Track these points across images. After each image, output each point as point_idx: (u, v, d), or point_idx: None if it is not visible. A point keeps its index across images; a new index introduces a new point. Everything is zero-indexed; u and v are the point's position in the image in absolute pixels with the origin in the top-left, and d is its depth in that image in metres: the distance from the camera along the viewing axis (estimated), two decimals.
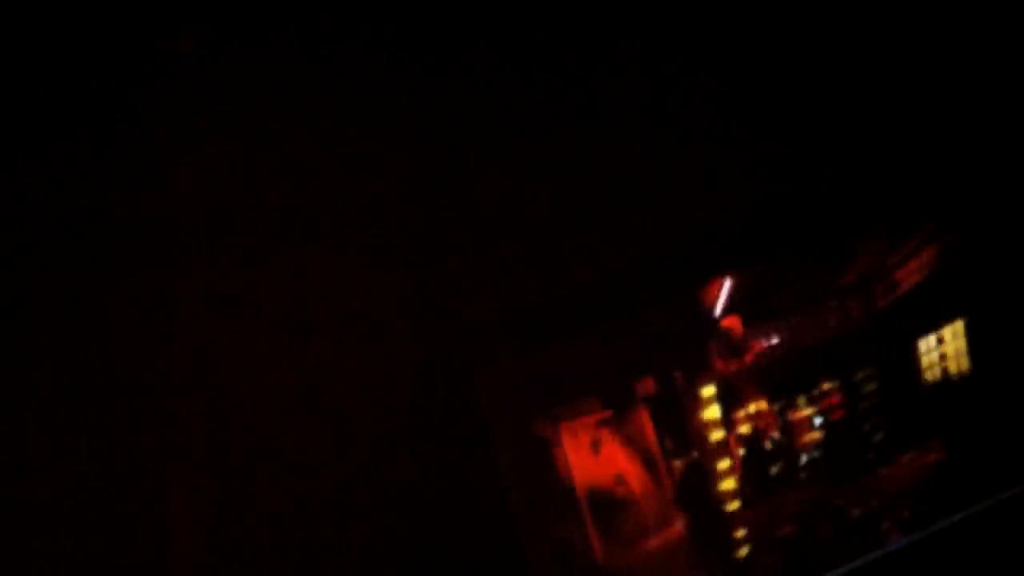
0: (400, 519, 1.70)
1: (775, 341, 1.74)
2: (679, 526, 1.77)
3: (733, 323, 1.71)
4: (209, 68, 1.53)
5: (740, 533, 1.81)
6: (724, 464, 1.77)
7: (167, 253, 1.55)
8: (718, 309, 1.70)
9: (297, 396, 1.60)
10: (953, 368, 1.88)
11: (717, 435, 1.75)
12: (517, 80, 1.61)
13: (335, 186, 1.56)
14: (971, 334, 1.87)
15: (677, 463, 1.74)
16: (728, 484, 1.78)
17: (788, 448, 1.80)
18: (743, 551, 1.82)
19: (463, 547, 1.75)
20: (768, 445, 1.79)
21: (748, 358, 1.73)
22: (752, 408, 1.76)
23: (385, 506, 1.69)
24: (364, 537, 1.69)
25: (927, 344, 1.85)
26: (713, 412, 1.73)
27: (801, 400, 1.79)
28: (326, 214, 1.56)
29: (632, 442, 1.71)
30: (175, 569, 1.60)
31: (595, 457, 1.69)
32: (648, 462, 1.72)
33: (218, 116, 1.52)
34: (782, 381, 1.77)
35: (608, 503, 1.71)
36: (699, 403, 1.73)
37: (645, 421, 1.71)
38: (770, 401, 1.77)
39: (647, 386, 1.70)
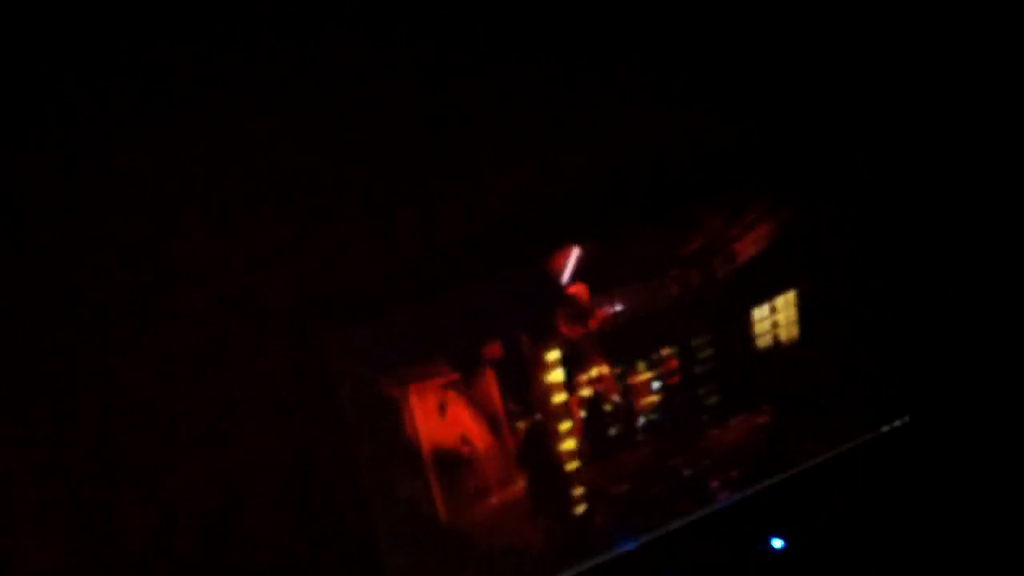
0: (246, 483, 1.70)
1: (619, 308, 1.80)
2: (521, 484, 1.83)
3: (579, 290, 1.76)
4: None
5: (578, 491, 1.88)
6: (565, 425, 1.82)
7: None
8: (565, 276, 1.75)
9: (135, 363, 1.58)
10: (784, 336, 1.97)
11: (560, 398, 1.80)
12: (373, 51, 1.60)
13: (175, 149, 1.53)
14: (801, 304, 1.96)
15: (521, 424, 1.79)
16: (569, 444, 1.84)
17: (627, 410, 1.87)
18: (580, 508, 1.89)
19: (309, 508, 1.77)
20: (608, 408, 1.85)
21: (592, 324, 1.78)
22: (594, 372, 1.82)
23: (230, 471, 1.69)
24: (210, 502, 1.69)
25: (761, 313, 1.94)
26: (557, 376, 1.78)
27: (641, 365, 1.86)
28: (166, 176, 1.53)
29: (478, 404, 1.75)
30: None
31: (441, 418, 1.73)
32: (493, 423, 1.77)
33: None
34: (624, 346, 1.83)
35: (453, 462, 1.75)
36: (544, 367, 1.77)
37: (491, 384, 1.75)
38: (611, 365, 1.83)
39: (494, 350, 1.73)
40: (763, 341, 1.95)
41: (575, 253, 1.74)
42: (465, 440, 1.75)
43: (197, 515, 1.70)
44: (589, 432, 1.84)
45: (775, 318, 1.95)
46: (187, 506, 1.69)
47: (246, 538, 1.74)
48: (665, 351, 1.87)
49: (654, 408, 1.89)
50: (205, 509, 1.70)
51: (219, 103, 1.51)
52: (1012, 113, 2.09)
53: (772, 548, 2.07)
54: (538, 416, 1.80)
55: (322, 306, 1.64)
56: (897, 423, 2.13)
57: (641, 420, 1.89)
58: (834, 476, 2.09)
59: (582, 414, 1.83)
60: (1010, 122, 2.10)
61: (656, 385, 1.88)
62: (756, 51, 1.88)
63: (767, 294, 1.93)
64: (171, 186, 1.52)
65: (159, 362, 1.60)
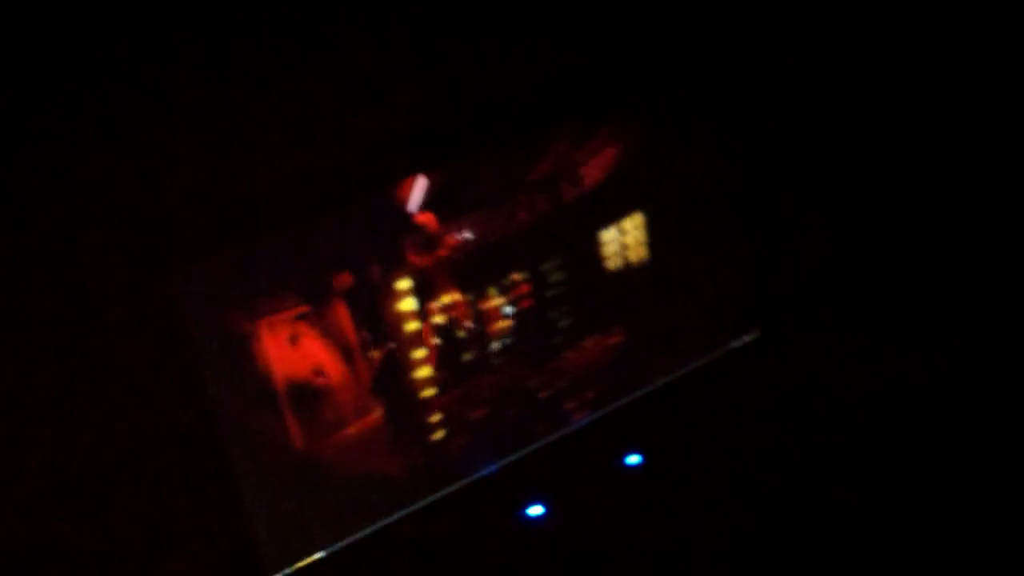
0: (98, 424, 1.68)
1: (468, 236, 1.82)
2: (377, 413, 1.84)
3: (427, 219, 1.77)
4: None
5: (435, 418, 1.90)
6: (420, 353, 1.84)
7: None
8: (412, 205, 1.76)
9: None
10: (633, 257, 2.01)
11: (413, 326, 1.82)
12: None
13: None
14: (649, 225, 2.00)
15: (375, 353, 1.80)
16: (424, 372, 1.86)
17: (480, 336, 1.90)
18: (438, 434, 1.91)
19: (166, 445, 1.75)
20: (461, 334, 1.87)
21: (442, 252, 1.80)
22: (446, 299, 1.84)
23: (81, 410, 1.67)
24: (64, 445, 1.67)
25: (609, 235, 1.98)
26: (409, 304, 1.80)
27: (492, 291, 1.88)
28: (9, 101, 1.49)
29: (331, 334, 1.75)
30: None
31: (294, 350, 1.73)
32: (346, 353, 1.78)
33: None
34: (474, 273, 1.85)
35: (307, 394, 1.76)
36: (395, 296, 1.79)
37: (343, 314, 1.76)
38: (463, 292, 1.85)
39: (344, 280, 1.74)
40: (613, 263, 1.99)
41: (422, 182, 1.75)
42: (319, 371, 1.76)
43: (47, 461, 1.68)
44: (443, 359, 1.87)
45: (624, 240, 1.98)
46: (36, 451, 1.66)
47: (102, 479, 1.72)
48: (516, 276, 1.90)
49: (507, 333, 1.92)
50: (57, 451, 1.67)
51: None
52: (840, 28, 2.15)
53: (630, 464, 2.12)
54: (392, 345, 1.81)
55: (169, 240, 1.62)
56: (746, 338, 2.19)
57: (495, 345, 1.91)
58: (687, 392, 2.15)
59: (436, 341, 1.85)
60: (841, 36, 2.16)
61: (508, 310, 1.90)
62: None
63: (615, 217, 1.96)
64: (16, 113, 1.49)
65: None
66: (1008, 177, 2.27)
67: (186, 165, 1.65)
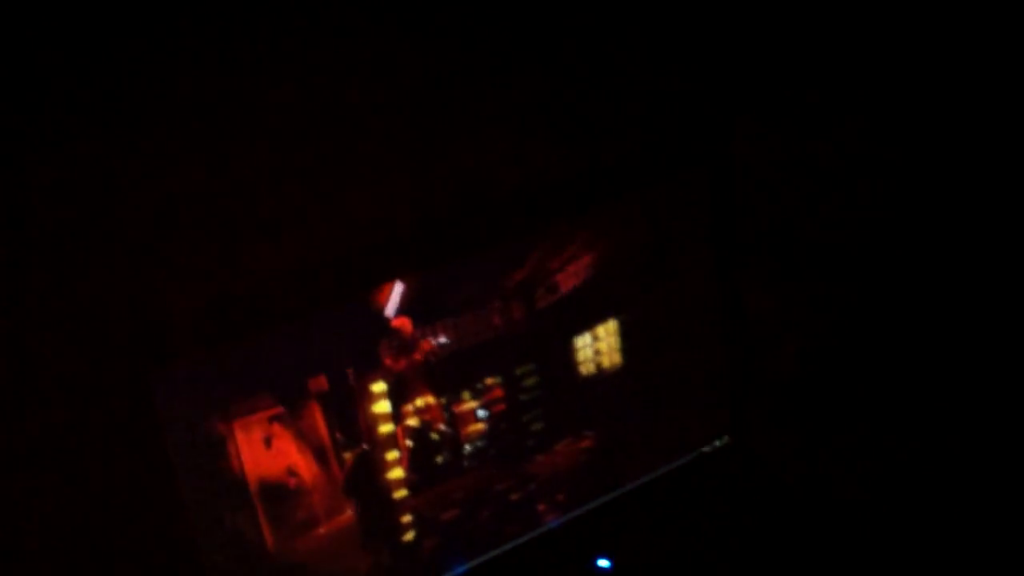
0: (71, 520, 1.70)
1: (443, 340, 1.86)
2: (349, 514, 1.86)
3: (403, 323, 1.81)
4: None
5: (406, 519, 1.92)
6: (393, 455, 1.87)
7: None
8: (389, 309, 1.80)
9: None
10: (606, 363, 2.05)
11: (386, 428, 1.85)
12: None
13: None
14: (622, 331, 2.05)
15: (348, 455, 1.83)
16: (396, 473, 1.88)
17: (453, 439, 1.93)
18: (409, 535, 1.93)
19: (135, 543, 1.77)
20: (435, 436, 1.90)
21: (417, 356, 1.84)
22: (420, 402, 1.87)
23: (58, 512, 1.69)
24: (35, 544, 1.69)
25: (583, 341, 2.02)
26: (383, 407, 1.83)
27: (466, 394, 1.92)
28: None
29: (304, 436, 1.78)
30: None
31: (268, 451, 1.76)
32: (320, 454, 1.80)
33: None
34: (449, 377, 1.88)
35: (280, 494, 1.78)
36: (370, 398, 1.82)
37: (317, 416, 1.79)
38: (437, 395, 1.88)
39: (320, 383, 1.77)
40: (586, 368, 2.03)
41: (398, 287, 1.79)
42: (292, 471, 1.78)
43: (22, 559, 1.69)
44: (416, 461, 1.89)
45: (597, 346, 2.02)
46: (9, 551, 1.67)
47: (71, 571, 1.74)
48: (490, 380, 1.93)
49: (480, 436, 1.95)
50: (29, 552, 1.69)
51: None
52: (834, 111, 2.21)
53: (599, 569, 2.14)
54: (365, 446, 1.84)
55: (145, 341, 1.66)
56: (717, 443, 2.22)
57: (467, 448, 1.94)
58: (657, 496, 2.18)
59: (409, 443, 1.88)
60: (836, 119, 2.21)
61: (481, 414, 1.94)
62: (572, 85, 1.96)
63: (588, 323, 2.01)
64: None
65: None
66: (975, 286, 2.31)
67: (162, 267, 1.68)
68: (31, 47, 1.49)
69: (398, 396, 1.85)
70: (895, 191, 2.28)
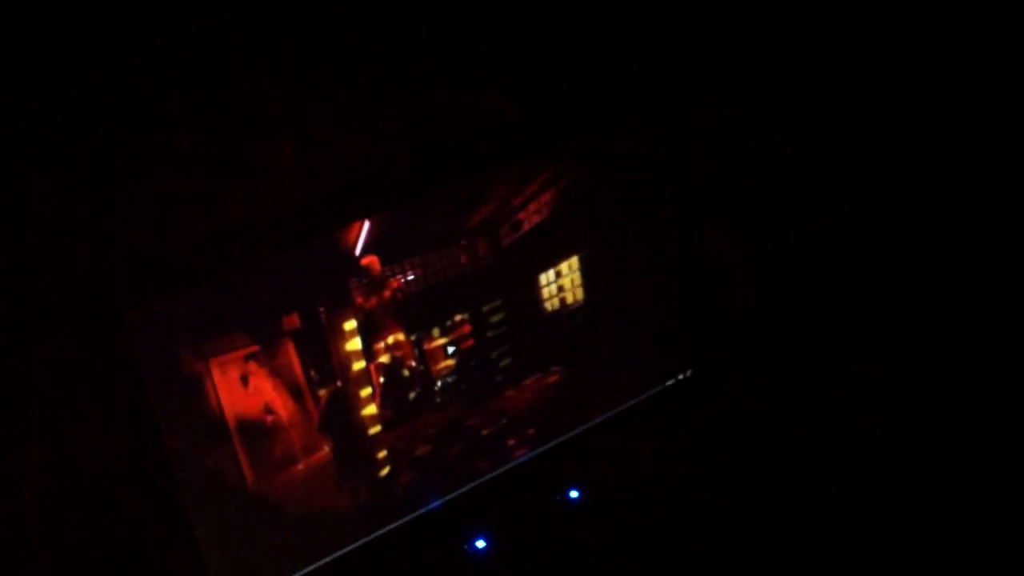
0: (51, 460, 1.72)
1: (411, 277, 1.90)
2: (326, 450, 1.91)
3: (372, 261, 1.85)
4: None
5: (381, 454, 1.97)
6: (366, 391, 1.91)
7: None
8: (357, 248, 1.84)
9: None
10: (570, 299, 2.10)
11: (359, 365, 1.89)
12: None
13: None
14: (584, 268, 2.10)
15: (323, 392, 1.87)
16: (370, 410, 1.93)
17: (424, 375, 1.97)
18: (385, 471, 1.98)
19: (119, 482, 1.80)
20: (406, 373, 1.95)
21: (386, 294, 1.88)
22: (391, 339, 1.91)
23: (35, 447, 1.71)
24: (13, 480, 1.71)
25: (547, 278, 2.07)
26: (355, 344, 1.87)
27: (435, 331, 1.96)
28: None
29: (280, 374, 1.82)
30: None
31: (244, 389, 1.80)
32: (295, 392, 1.84)
33: None
34: (418, 314, 1.93)
35: (258, 432, 1.82)
36: (342, 336, 1.86)
37: (291, 354, 1.82)
38: (407, 332, 1.92)
39: (292, 321, 1.81)
40: (550, 304, 2.08)
41: (366, 226, 1.83)
42: (269, 409, 1.82)
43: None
44: (388, 397, 1.94)
45: (560, 282, 2.07)
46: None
47: (54, 514, 1.76)
48: (458, 317, 1.98)
49: (450, 372, 1.99)
50: (6, 486, 1.71)
51: None
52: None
53: (570, 499, 2.19)
54: (339, 383, 1.88)
55: (121, 281, 1.68)
56: (680, 376, 2.28)
57: (439, 384, 1.99)
58: (624, 428, 2.23)
59: (381, 380, 1.92)
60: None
61: (451, 350, 1.98)
62: (534, 26, 2.00)
63: (552, 260, 2.06)
64: None
65: None
66: (923, 216, 2.39)
67: (136, 208, 1.71)
68: None
69: (369, 334, 1.89)
70: (844, 127, 2.34)
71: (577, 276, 2.09)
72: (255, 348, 1.79)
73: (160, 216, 1.73)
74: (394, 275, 1.88)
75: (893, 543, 2.16)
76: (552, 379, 2.12)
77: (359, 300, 1.86)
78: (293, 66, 1.80)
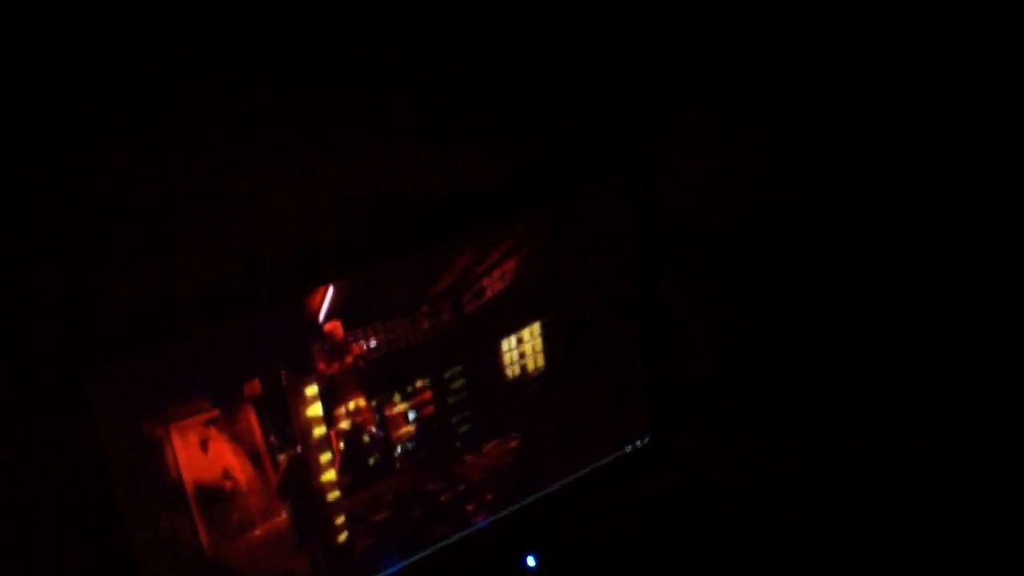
0: (9, 528, 1.71)
1: (374, 343, 1.91)
2: (284, 516, 1.90)
3: (335, 327, 1.86)
4: None
5: (340, 519, 1.96)
6: (326, 457, 1.91)
7: None
8: (322, 314, 1.84)
9: None
10: (531, 365, 2.12)
11: (319, 431, 1.89)
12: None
13: None
14: (545, 334, 2.12)
15: (282, 457, 1.87)
16: (329, 475, 1.93)
17: (385, 441, 1.98)
18: (342, 536, 1.97)
19: (71, 548, 1.78)
20: (366, 439, 1.95)
21: (348, 359, 1.88)
22: (352, 405, 1.91)
23: None
24: None
25: (508, 344, 2.08)
26: (316, 410, 1.87)
27: (397, 397, 1.97)
28: None
29: (239, 439, 1.82)
30: None
31: (204, 454, 1.79)
32: (255, 457, 1.84)
33: None
34: (380, 380, 1.93)
35: (216, 497, 1.81)
36: (303, 402, 1.86)
37: (252, 419, 1.82)
38: (368, 398, 1.93)
39: (254, 386, 1.81)
40: (511, 371, 2.09)
41: (329, 291, 1.84)
42: (227, 474, 1.82)
43: None
44: (348, 463, 1.94)
45: (522, 349, 2.09)
46: None
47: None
48: (419, 383, 1.99)
49: (411, 437, 2.00)
50: None
51: None
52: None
53: (527, 566, 2.20)
54: (299, 449, 1.88)
55: (79, 345, 1.68)
56: (638, 443, 2.30)
57: (398, 449, 1.99)
58: (582, 495, 2.24)
59: (341, 446, 1.92)
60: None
61: (412, 416, 1.99)
62: (503, 90, 2.03)
63: (513, 326, 2.07)
64: None
65: None
66: (889, 277, 2.43)
67: (98, 270, 1.71)
68: None
69: (331, 399, 1.89)
70: (803, 189, 2.38)
71: (539, 342, 2.11)
72: (216, 413, 1.78)
73: (121, 279, 1.74)
74: (357, 340, 1.89)
75: None
76: (511, 445, 2.13)
77: (321, 366, 1.86)
78: (252, 123, 1.81)
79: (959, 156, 2.36)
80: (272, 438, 1.85)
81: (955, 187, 2.38)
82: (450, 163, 2.04)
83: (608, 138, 2.20)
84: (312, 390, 1.87)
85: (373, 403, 1.95)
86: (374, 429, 1.96)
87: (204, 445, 1.79)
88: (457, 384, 2.04)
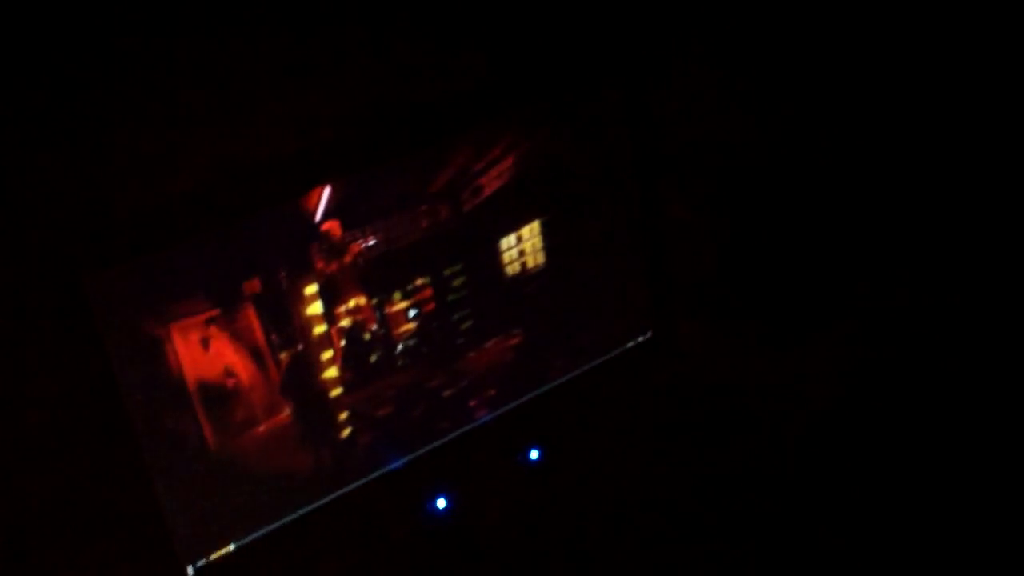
0: (17, 423, 1.74)
1: (372, 242, 1.91)
2: (287, 413, 1.93)
3: (332, 226, 1.86)
4: None
5: (343, 416, 1.99)
6: (327, 354, 1.93)
7: None
8: (318, 214, 1.85)
9: None
10: (530, 263, 2.12)
11: (320, 329, 1.91)
12: None
13: None
14: (545, 232, 2.12)
15: (284, 355, 1.89)
16: (331, 372, 1.95)
17: (386, 338, 1.99)
18: (345, 432, 2.00)
19: (83, 444, 1.81)
20: (367, 336, 1.97)
21: (347, 258, 1.89)
22: (352, 303, 1.93)
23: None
24: None
25: (508, 242, 2.08)
26: (316, 308, 1.89)
27: (397, 295, 1.98)
28: None
29: (241, 338, 1.84)
30: None
31: (205, 353, 1.81)
32: (256, 355, 1.86)
33: None
34: (379, 278, 1.94)
35: (218, 395, 1.84)
36: (303, 300, 1.87)
37: (252, 318, 1.84)
38: (369, 296, 1.94)
39: (253, 285, 1.82)
40: (511, 268, 2.10)
41: (327, 191, 1.84)
42: (229, 372, 1.84)
43: None
44: (350, 360, 1.96)
45: (521, 247, 2.09)
46: None
47: (19, 475, 1.78)
48: (419, 281, 2.00)
49: (411, 335, 2.01)
50: None
51: None
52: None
53: (530, 459, 2.23)
54: (300, 347, 1.90)
55: (82, 245, 1.69)
56: (640, 339, 2.31)
57: (400, 347, 2.01)
58: (584, 389, 2.26)
59: (343, 343, 1.94)
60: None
61: (412, 313, 2.00)
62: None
63: (513, 224, 2.07)
64: None
65: None
66: (886, 182, 2.41)
67: (98, 171, 1.71)
68: None
69: (331, 298, 1.90)
70: (804, 105, 2.36)
71: (538, 240, 2.11)
72: (216, 312, 1.80)
73: (120, 180, 1.74)
74: (355, 240, 1.89)
75: (845, 500, 2.20)
76: (513, 341, 2.15)
77: (320, 265, 1.87)
78: (252, 27, 1.79)
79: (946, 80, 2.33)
80: (273, 336, 1.87)
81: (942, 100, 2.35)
82: (448, 68, 2.02)
83: (616, 44, 2.17)
84: (312, 289, 1.88)
85: (373, 301, 1.96)
86: (375, 327, 1.97)
87: (205, 344, 1.81)
88: (458, 282, 2.05)
